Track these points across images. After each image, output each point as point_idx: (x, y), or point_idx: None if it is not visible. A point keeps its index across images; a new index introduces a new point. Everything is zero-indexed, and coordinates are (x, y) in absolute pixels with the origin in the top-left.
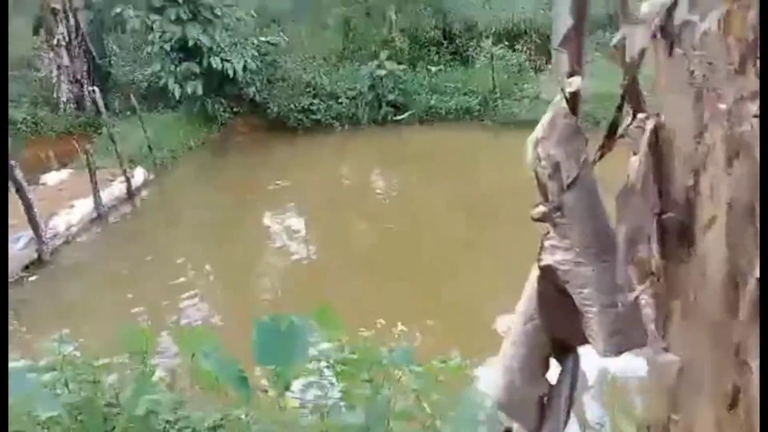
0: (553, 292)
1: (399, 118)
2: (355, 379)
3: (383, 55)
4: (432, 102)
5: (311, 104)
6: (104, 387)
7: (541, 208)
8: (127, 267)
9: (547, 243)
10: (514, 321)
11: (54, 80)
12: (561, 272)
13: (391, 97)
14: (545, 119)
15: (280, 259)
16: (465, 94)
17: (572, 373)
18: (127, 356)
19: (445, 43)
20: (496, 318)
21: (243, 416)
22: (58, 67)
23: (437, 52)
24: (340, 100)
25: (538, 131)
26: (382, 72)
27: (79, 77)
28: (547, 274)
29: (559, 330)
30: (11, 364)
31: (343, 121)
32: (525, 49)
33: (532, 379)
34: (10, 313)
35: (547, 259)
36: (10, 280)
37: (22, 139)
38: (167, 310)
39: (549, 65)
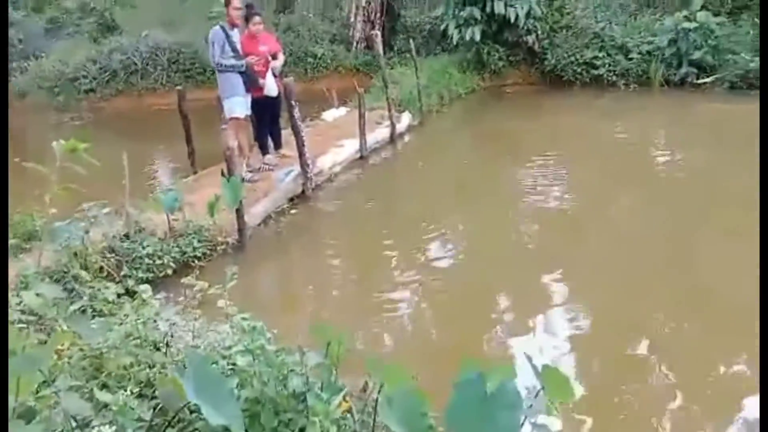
0: None
1: (703, 81)
2: None
3: (697, 3)
4: (753, 65)
5: (595, 57)
6: (289, 389)
7: None
8: (378, 208)
9: None
10: None
11: (351, 20)
12: None
13: (696, 55)
14: None
15: (532, 214)
16: None
17: None
18: (321, 357)
19: None
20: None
21: None
22: (356, 8)
23: None
24: (630, 56)
25: None
26: (692, 24)
27: (372, 18)
28: None
29: None
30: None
31: (629, 80)
32: None
33: None
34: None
35: None
36: (276, 209)
37: (315, 74)
38: (413, 249)
39: None
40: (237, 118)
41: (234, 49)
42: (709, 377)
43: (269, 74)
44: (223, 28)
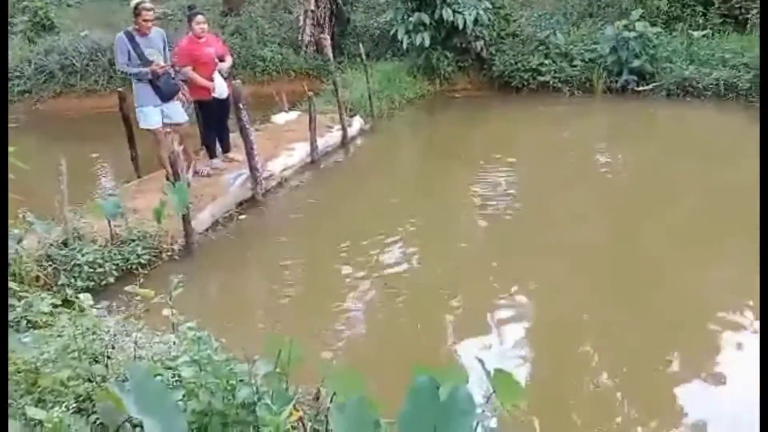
0: None
1: (642, 89)
2: None
3: (635, 13)
4: (687, 73)
5: (541, 64)
6: (238, 400)
7: None
8: (330, 213)
9: None
10: None
11: (300, 23)
12: None
13: (636, 63)
14: None
15: (483, 218)
16: (733, 67)
17: None
18: (272, 366)
19: (717, 2)
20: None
21: None
22: (305, 11)
23: (704, 14)
24: (574, 63)
25: None
26: (631, 34)
27: (321, 21)
28: None
29: None
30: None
31: (573, 86)
32: None
33: None
34: (226, 241)
35: None
36: (224, 214)
37: (264, 77)
38: (366, 254)
39: None
40: (149, 130)
41: (140, 57)
42: (656, 379)
43: (218, 76)
44: (129, 33)
